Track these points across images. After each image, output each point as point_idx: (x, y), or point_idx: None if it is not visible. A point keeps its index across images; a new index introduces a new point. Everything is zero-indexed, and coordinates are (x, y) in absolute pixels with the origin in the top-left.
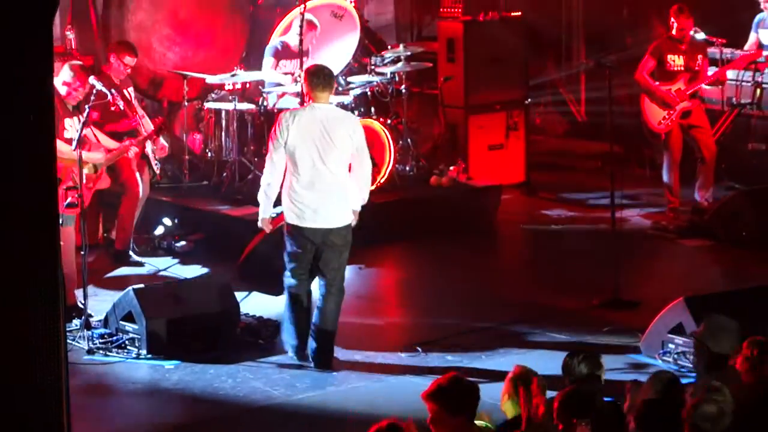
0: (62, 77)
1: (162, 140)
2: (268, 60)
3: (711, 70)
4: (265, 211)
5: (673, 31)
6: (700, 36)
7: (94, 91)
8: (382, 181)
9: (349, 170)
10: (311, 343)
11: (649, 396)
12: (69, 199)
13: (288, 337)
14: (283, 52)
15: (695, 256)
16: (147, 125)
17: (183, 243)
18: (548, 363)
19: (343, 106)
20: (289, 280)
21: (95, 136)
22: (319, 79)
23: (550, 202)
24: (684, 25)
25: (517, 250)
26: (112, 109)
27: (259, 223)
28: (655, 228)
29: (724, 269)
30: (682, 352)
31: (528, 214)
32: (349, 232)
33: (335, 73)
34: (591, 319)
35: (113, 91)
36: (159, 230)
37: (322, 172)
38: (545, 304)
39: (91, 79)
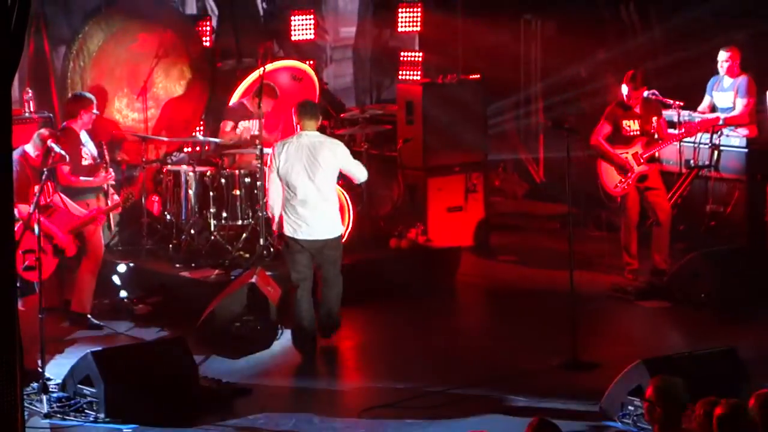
0: (33, 144)
1: (116, 197)
2: (226, 122)
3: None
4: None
5: (625, 97)
6: (652, 98)
7: (52, 154)
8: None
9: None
10: (321, 323)
11: None
12: (26, 263)
13: (293, 332)
14: (242, 114)
15: (654, 317)
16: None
17: (141, 305)
18: (507, 426)
19: None
20: (293, 283)
21: (63, 202)
22: (306, 110)
23: (509, 264)
24: (636, 94)
25: (476, 312)
26: (84, 164)
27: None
28: (613, 290)
29: (683, 331)
30: (642, 414)
31: (487, 275)
32: (340, 242)
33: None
34: (550, 381)
35: (101, 144)
36: (122, 293)
37: (312, 190)
38: (504, 366)
39: (49, 142)
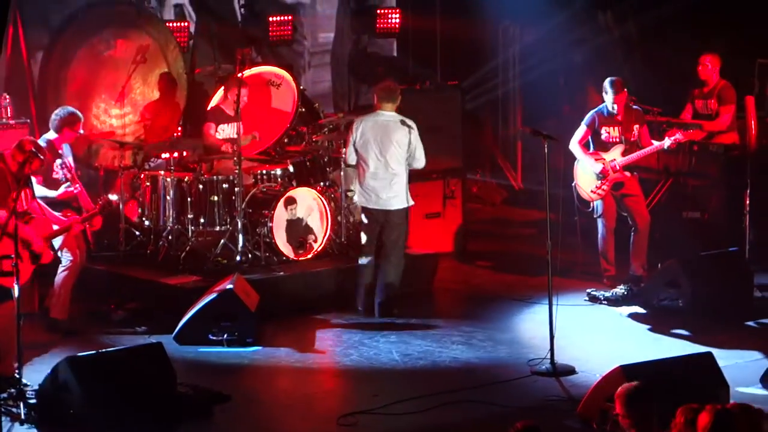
0: (15, 151)
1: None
2: (210, 125)
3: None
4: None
5: (606, 104)
6: (634, 108)
7: (30, 162)
8: (319, 249)
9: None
10: (378, 299)
11: None
12: (2, 269)
13: (358, 300)
14: (221, 117)
15: (631, 324)
16: (86, 200)
17: (119, 311)
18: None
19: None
20: (361, 252)
21: (41, 209)
22: (385, 93)
23: (487, 270)
24: (616, 100)
25: (453, 318)
26: (55, 177)
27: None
28: (591, 296)
29: (660, 337)
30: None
31: (465, 282)
32: (407, 214)
33: (274, 142)
34: (527, 387)
35: (65, 160)
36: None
37: (383, 165)
38: (481, 373)
39: (34, 150)
